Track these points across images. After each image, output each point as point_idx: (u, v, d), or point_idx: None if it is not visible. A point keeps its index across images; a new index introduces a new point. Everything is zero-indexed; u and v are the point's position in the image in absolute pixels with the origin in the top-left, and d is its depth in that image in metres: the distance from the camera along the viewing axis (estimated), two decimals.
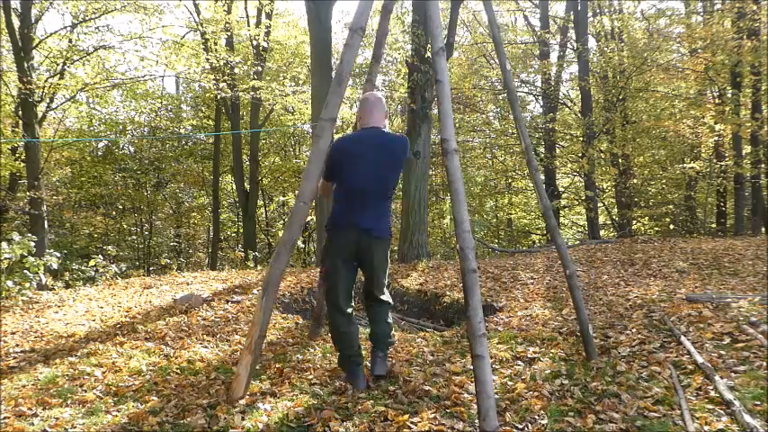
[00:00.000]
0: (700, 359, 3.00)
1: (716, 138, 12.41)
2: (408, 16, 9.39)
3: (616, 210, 14.33)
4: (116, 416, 2.62)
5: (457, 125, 16.82)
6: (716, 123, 11.70)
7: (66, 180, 16.40)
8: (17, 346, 3.98)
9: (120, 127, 16.35)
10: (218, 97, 13.54)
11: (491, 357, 3.41)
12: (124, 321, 4.65)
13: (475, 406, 2.66)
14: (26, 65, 10.29)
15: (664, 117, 13.25)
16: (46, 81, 11.12)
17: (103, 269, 8.37)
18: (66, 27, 12.25)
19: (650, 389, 2.74)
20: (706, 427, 2.33)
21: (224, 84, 12.66)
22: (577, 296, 3.32)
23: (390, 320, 3.30)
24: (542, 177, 3.53)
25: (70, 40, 12.09)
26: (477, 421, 2.50)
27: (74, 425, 2.52)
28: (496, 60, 17.28)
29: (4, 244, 5.94)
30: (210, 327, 4.52)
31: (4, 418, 2.58)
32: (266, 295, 2.79)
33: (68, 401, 2.80)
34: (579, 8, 12.82)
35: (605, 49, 13.37)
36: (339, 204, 3.12)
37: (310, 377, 3.17)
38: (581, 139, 13.08)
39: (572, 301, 3.39)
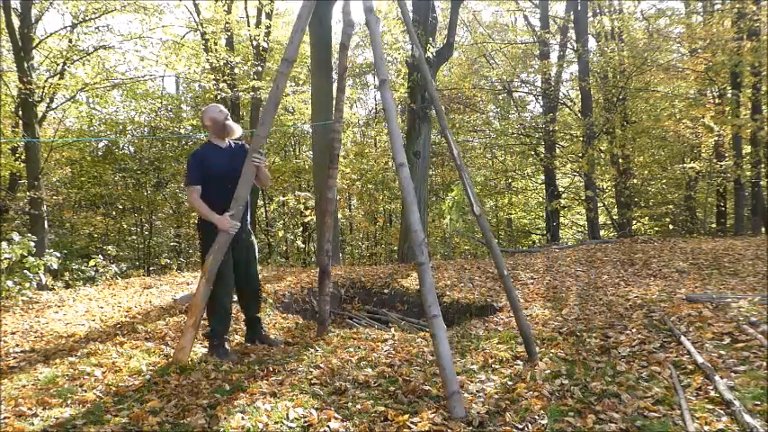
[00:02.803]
0: (700, 359, 3.00)
1: (716, 138, 12.42)
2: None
3: (616, 210, 14.34)
4: (116, 416, 2.62)
5: (457, 125, 16.82)
6: (716, 124, 11.70)
7: (66, 180, 16.38)
8: (17, 346, 3.98)
9: (120, 127, 16.32)
10: (218, 97, 13.53)
11: (491, 357, 3.41)
12: (124, 321, 4.65)
13: (475, 406, 2.67)
14: (26, 65, 10.28)
15: (664, 117, 13.26)
16: (46, 81, 11.11)
17: (103, 269, 8.37)
18: (66, 27, 12.24)
19: (650, 389, 2.74)
20: (706, 427, 2.33)
21: (224, 84, 12.66)
22: (513, 296, 3.47)
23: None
24: (471, 185, 3.69)
25: (70, 40, 12.08)
26: (475, 420, 2.50)
27: (74, 425, 2.51)
28: (497, 60, 17.30)
29: (4, 244, 5.93)
30: None
31: (4, 418, 2.58)
32: (208, 283, 3.41)
33: (68, 401, 2.80)
34: (579, 8, 12.83)
35: (605, 49, 13.36)
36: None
37: (310, 377, 3.17)
38: (581, 139, 13.08)
39: (509, 302, 3.54)
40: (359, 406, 2.70)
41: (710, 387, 2.69)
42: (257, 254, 3.90)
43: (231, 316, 3.80)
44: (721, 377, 2.76)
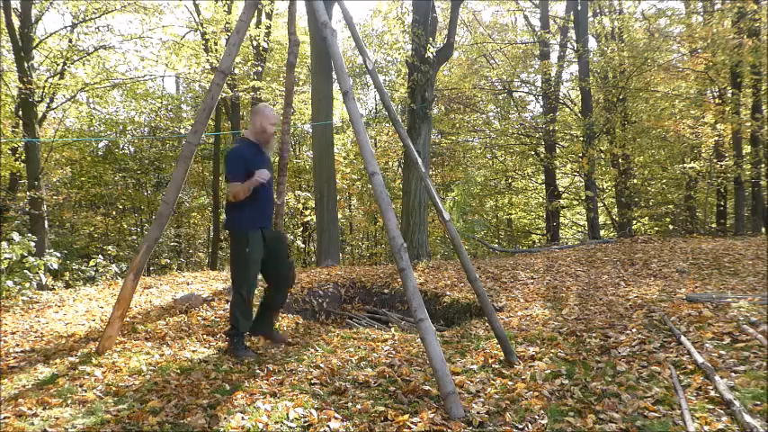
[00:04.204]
0: (700, 359, 3.00)
1: (716, 138, 12.42)
2: (408, 16, 9.37)
3: (616, 210, 14.33)
4: (116, 416, 2.62)
5: (457, 125, 16.80)
6: (716, 123, 11.70)
7: (66, 180, 16.38)
8: (17, 346, 3.98)
9: (120, 127, 16.33)
10: (219, 97, 13.52)
11: (491, 357, 3.41)
12: (124, 321, 4.65)
13: (475, 405, 2.67)
14: (26, 65, 10.28)
15: (664, 117, 13.25)
16: (46, 81, 11.11)
17: (104, 269, 8.37)
18: (66, 27, 12.25)
19: (650, 389, 2.74)
20: (706, 427, 2.33)
21: (224, 84, 12.63)
22: (485, 300, 3.51)
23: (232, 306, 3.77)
24: (435, 194, 3.76)
25: (70, 40, 12.09)
26: (475, 420, 2.50)
27: (74, 425, 2.52)
28: (497, 60, 17.28)
29: (5, 244, 5.93)
30: (210, 327, 4.52)
31: (4, 418, 2.58)
32: (135, 278, 3.64)
33: (68, 401, 2.80)
34: (579, 8, 12.80)
35: (605, 49, 13.35)
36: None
37: (310, 377, 3.17)
38: (581, 139, 13.07)
39: (481, 304, 3.59)
40: (359, 406, 2.70)
41: (710, 387, 2.69)
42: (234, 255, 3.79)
43: (251, 317, 3.81)
44: (721, 377, 2.76)
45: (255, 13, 15.12)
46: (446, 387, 2.62)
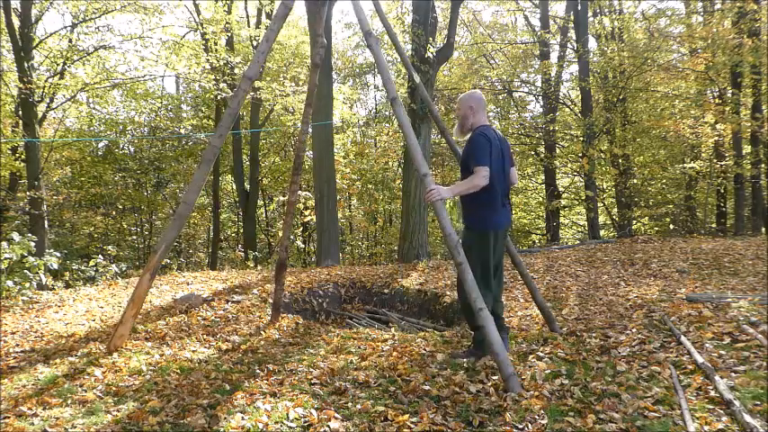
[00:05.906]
0: (700, 359, 3.00)
1: (716, 138, 12.42)
2: (408, 16, 9.38)
3: (616, 210, 14.33)
4: (116, 416, 2.62)
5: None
6: (716, 123, 11.70)
7: (67, 180, 16.39)
8: (17, 346, 3.98)
9: (120, 127, 16.34)
10: (218, 97, 13.54)
11: (491, 357, 3.41)
12: None
13: (474, 405, 2.67)
14: (26, 65, 10.28)
15: (664, 117, 13.24)
16: (46, 81, 11.11)
17: (104, 269, 8.37)
18: (66, 27, 12.25)
19: (650, 389, 2.74)
20: (706, 427, 2.33)
21: (224, 84, 12.66)
22: (530, 282, 4.02)
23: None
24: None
25: (70, 40, 12.09)
26: (475, 420, 2.50)
27: (74, 425, 2.52)
28: (497, 60, 17.28)
29: (5, 244, 5.93)
30: (210, 327, 4.53)
31: (4, 418, 2.58)
32: (151, 278, 3.68)
33: (68, 401, 2.80)
34: (579, 8, 12.80)
35: (605, 49, 13.34)
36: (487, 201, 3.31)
37: (310, 377, 3.17)
38: (581, 139, 13.07)
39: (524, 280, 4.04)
40: (359, 406, 2.70)
41: (710, 387, 2.68)
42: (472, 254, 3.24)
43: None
44: (721, 377, 2.76)
45: (255, 14, 15.16)
46: (507, 370, 2.84)
